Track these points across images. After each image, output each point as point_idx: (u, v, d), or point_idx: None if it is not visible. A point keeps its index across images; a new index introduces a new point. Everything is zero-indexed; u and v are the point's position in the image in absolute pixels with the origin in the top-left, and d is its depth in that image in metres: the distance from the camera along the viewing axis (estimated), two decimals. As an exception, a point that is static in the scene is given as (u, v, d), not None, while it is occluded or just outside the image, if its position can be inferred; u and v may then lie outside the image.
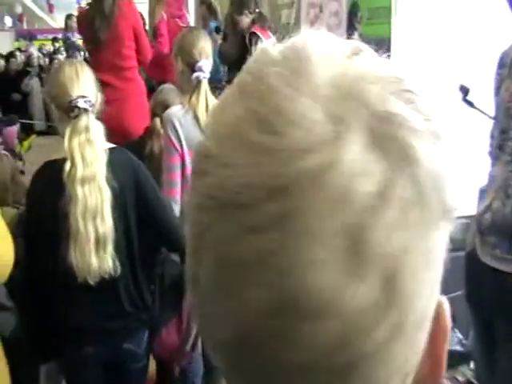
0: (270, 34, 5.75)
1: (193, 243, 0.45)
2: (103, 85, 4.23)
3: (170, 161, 2.81)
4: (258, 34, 5.67)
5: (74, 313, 2.24)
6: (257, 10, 6.02)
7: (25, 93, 11.65)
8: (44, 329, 2.32)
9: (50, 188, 2.19)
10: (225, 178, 0.41)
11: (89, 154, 2.16)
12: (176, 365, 2.79)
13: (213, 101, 2.87)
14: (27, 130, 9.59)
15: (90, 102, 2.22)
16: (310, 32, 0.48)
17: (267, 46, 0.47)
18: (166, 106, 3.25)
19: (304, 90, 0.41)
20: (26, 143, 9.96)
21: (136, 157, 2.43)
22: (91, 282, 2.16)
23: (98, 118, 2.31)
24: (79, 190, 2.12)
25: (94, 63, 4.29)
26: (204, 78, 2.86)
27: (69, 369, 2.44)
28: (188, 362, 2.83)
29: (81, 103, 2.18)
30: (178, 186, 2.78)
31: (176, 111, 2.84)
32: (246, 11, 6.13)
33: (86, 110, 2.19)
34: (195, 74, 2.85)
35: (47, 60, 15.36)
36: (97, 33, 4.39)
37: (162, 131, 3.24)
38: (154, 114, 3.38)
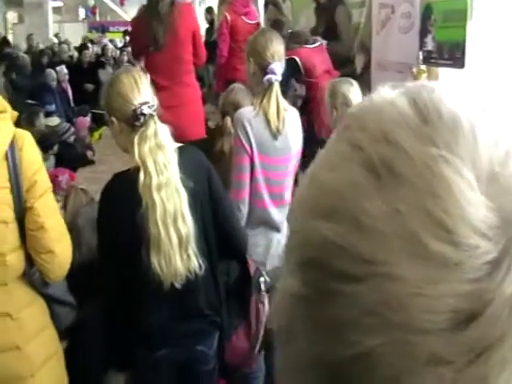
0: (307, 46, 5.81)
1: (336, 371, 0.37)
2: (160, 89, 4.33)
3: (239, 161, 2.82)
4: (295, 58, 5.75)
5: (153, 317, 2.25)
6: (288, 31, 6.09)
7: (98, 83, 11.94)
8: (125, 337, 2.31)
9: (125, 198, 2.17)
10: (393, 293, 0.34)
11: (161, 158, 2.14)
12: (245, 369, 2.78)
13: (284, 104, 2.88)
14: (98, 121, 9.82)
15: (153, 106, 2.20)
16: (438, 83, 0.42)
17: (387, 96, 0.41)
18: (237, 106, 3.29)
19: (474, 182, 0.35)
20: (96, 134, 10.23)
21: (206, 155, 2.43)
22: (177, 285, 2.17)
23: None
24: (156, 197, 2.11)
25: (150, 67, 4.37)
26: (276, 80, 2.84)
27: (142, 372, 2.40)
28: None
29: (146, 110, 2.16)
30: (246, 188, 2.80)
31: (247, 112, 2.84)
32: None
33: (151, 116, 2.18)
34: (267, 77, 2.83)
35: (118, 52, 15.68)
36: (155, 36, 4.37)
37: (232, 130, 3.27)
38: (223, 113, 3.41)
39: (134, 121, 2.16)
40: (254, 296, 2.59)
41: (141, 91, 2.22)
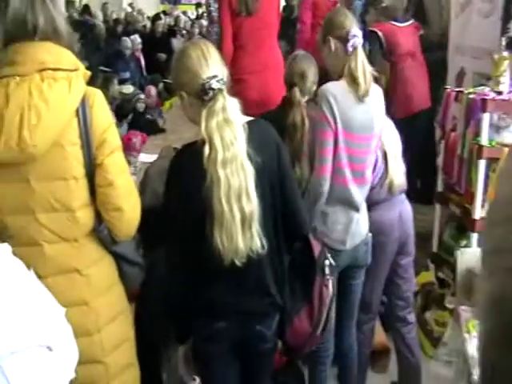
0: (395, 23, 5.75)
1: None
2: (247, 54, 4.35)
3: (322, 136, 2.78)
4: (377, 31, 5.70)
5: (215, 290, 2.25)
6: (383, 5, 6.04)
7: (170, 53, 12.08)
8: (185, 309, 2.33)
9: (191, 170, 2.17)
10: None
11: (228, 134, 2.12)
12: (307, 349, 2.76)
13: (369, 68, 2.85)
14: (170, 90, 9.93)
15: (222, 80, 2.16)
16: None
17: None
18: (303, 75, 3.31)
19: None
20: (167, 103, 10.39)
21: (276, 127, 2.39)
22: (238, 264, 2.15)
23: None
24: (221, 173, 2.09)
25: (238, 32, 4.36)
26: (359, 43, 2.83)
27: (200, 344, 2.41)
28: (320, 343, 2.84)
29: (214, 84, 2.13)
30: (328, 163, 2.77)
31: (332, 87, 2.81)
32: (371, 8, 6.20)
33: (220, 90, 2.15)
34: (351, 42, 2.81)
35: (190, 24, 15.79)
36: (247, 1, 4.38)
37: (302, 101, 3.30)
38: (291, 84, 3.36)
39: (203, 95, 2.15)
40: (317, 279, 2.56)
41: (209, 64, 2.19)
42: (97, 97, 2.14)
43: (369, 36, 5.79)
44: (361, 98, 2.80)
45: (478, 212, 3.77)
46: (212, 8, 11.36)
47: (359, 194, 2.88)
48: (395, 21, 5.78)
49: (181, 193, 2.21)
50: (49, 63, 2.01)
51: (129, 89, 8.46)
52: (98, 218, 2.17)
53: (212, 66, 2.18)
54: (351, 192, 2.85)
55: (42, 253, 2.06)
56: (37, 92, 1.97)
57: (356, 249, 2.94)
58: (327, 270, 2.57)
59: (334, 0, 6.54)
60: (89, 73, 2.13)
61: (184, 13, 18.64)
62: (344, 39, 2.84)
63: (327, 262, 2.58)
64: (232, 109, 2.16)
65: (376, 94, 2.92)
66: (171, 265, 2.38)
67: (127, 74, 9.62)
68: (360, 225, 2.95)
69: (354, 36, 2.83)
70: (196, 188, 2.11)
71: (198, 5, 14.06)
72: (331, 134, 2.76)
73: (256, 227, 2.16)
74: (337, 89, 2.81)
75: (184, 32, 14.23)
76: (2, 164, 1.99)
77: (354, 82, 2.79)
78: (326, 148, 2.77)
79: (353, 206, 2.88)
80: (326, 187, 2.77)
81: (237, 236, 2.13)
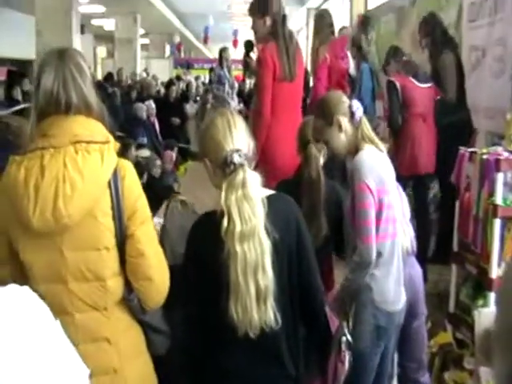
0: (414, 81, 5.85)
1: None
2: (282, 120, 4.40)
3: (364, 206, 2.80)
4: (395, 82, 5.81)
5: (229, 358, 2.25)
6: (404, 58, 6.16)
7: (183, 117, 12.28)
8: (199, 374, 2.34)
9: (210, 240, 2.18)
10: None
11: (246, 209, 2.14)
12: None
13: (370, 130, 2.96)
14: (184, 155, 10.06)
15: (245, 155, 2.20)
16: None
17: None
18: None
19: None
20: (182, 167, 10.49)
21: (295, 188, 2.45)
22: (252, 335, 2.16)
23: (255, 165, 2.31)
24: (238, 247, 2.12)
25: (277, 97, 4.40)
26: (361, 113, 2.94)
27: None
28: None
29: (236, 158, 2.17)
30: (372, 233, 2.78)
31: (365, 155, 2.87)
32: (392, 60, 6.34)
33: (241, 165, 2.18)
34: (357, 114, 2.90)
35: (202, 89, 16.07)
36: (290, 67, 4.44)
37: (318, 157, 3.38)
38: (305, 143, 3.43)
39: (225, 167, 2.19)
40: (333, 354, 2.57)
41: (233, 137, 2.23)
42: (128, 169, 2.20)
43: (387, 86, 5.89)
44: (385, 162, 2.90)
45: (495, 271, 3.78)
46: (221, 72, 11.63)
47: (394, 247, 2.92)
48: (415, 77, 5.85)
49: (199, 261, 2.25)
50: (82, 136, 2.08)
51: (145, 153, 8.56)
52: (128, 287, 2.21)
53: (236, 139, 2.23)
54: (393, 244, 2.89)
55: (72, 321, 2.08)
56: (71, 164, 2.03)
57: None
58: (343, 347, 2.57)
59: (348, 63, 6.76)
60: (118, 144, 2.19)
61: (197, 78, 19.06)
62: (350, 113, 2.91)
63: (344, 339, 2.59)
64: (252, 184, 2.18)
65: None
66: (189, 330, 2.39)
67: (145, 140, 9.74)
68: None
69: (357, 108, 2.92)
70: (213, 258, 2.14)
71: (212, 69, 14.27)
72: (371, 203, 2.79)
73: (271, 301, 2.16)
74: (369, 156, 2.86)
75: (197, 97, 14.46)
76: (37, 234, 2.04)
77: (372, 142, 2.88)
78: (368, 219, 2.78)
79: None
80: (374, 255, 2.77)
81: (251, 309, 2.13)
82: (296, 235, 2.28)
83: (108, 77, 15.98)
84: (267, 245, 2.14)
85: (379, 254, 2.79)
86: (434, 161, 5.85)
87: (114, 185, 2.13)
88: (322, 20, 6.83)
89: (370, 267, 2.79)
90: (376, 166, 2.84)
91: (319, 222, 3.27)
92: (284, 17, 4.54)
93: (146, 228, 2.21)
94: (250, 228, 2.13)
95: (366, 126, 2.91)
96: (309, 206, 3.22)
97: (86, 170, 2.04)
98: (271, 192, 2.30)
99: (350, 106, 2.91)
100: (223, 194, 2.16)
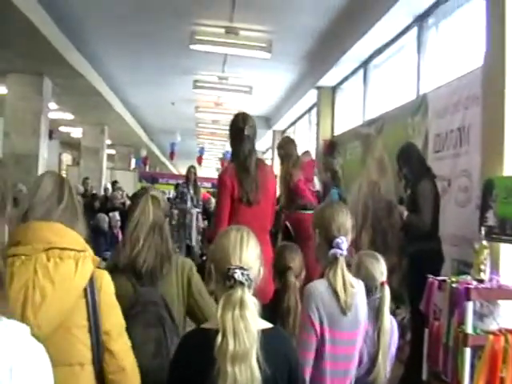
0: None
1: None
2: None
3: (305, 338, 2.75)
4: None
5: None
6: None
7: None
8: None
9: (199, 356, 2.11)
10: None
11: (242, 330, 2.05)
12: None
13: (349, 278, 2.84)
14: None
15: (248, 275, 2.14)
16: None
17: None
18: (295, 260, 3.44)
19: None
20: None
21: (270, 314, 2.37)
22: None
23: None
24: (229, 368, 2.02)
25: (238, 220, 4.37)
26: (341, 255, 2.82)
27: None
28: None
29: (238, 275, 2.11)
30: (309, 366, 2.70)
31: (319, 286, 2.82)
32: None
33: (241, 283, 2.11)
34: (332, 251, 2.82)
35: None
36: (248, 192, 4.51)
37: (296, 285, 3.37)
38: (283, 270, 3.42)
39: (225, 279, 2.13)
40: None
41: (243, 254, 2.18)
42: (105, 278, 2.16)
43: None
44: (342, 309, 2.78)
45: (466, 400, 3.72)
46: (184, 190, 11.76)
47: None
48: None
49: (187, 372, 2.14)
50: (56, 243, 2.03)
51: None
52: None
53: (244, 257, 2.19)
54: None
55: None
56: (42, 271, 1.96)
57: None
58: None
59: (315, 186, 6.98)
60: (98, 259, 2.15)
61: (163, 192, 19.06)
62: (329, 242, 2.87)
63: None
64: (250, 308, 2.11)
65: (360, 290, 2.91)
66: None
67: (108, 254, 9.63)
68: None
69: (338, 246, 2.84)
70: (201, 375, 2.05)
71: (177, 186, 14.41)
72: (313, 337, 2.73)
73: None
74: (323, 287, 2.81)
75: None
76: None
77: (334, 291, 2.79)
78: (308, 351, 2.73)
79: None
80: None
81: None
82: (288, 372, 2.21)
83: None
84: (257, 375, 2.05)
85: None
86: None
87: (91, 295, 2.07)
88: (292, 145, 7.12)
89: None
90: (323, 303, 2.78)
91: None
92: (252, 147, 4.69)
93: (123, 340, 2.15)
94: (243, 350, 2.04)
95: (336, 269, 2.83)
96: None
97: (57, 277, 1.97)
98: (268, 325, 2.24)
99: (332, 239, 2.86)
100: (220, 308, 2.11)
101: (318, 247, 2.96)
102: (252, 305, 2.12)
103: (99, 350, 2.06)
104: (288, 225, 6.41)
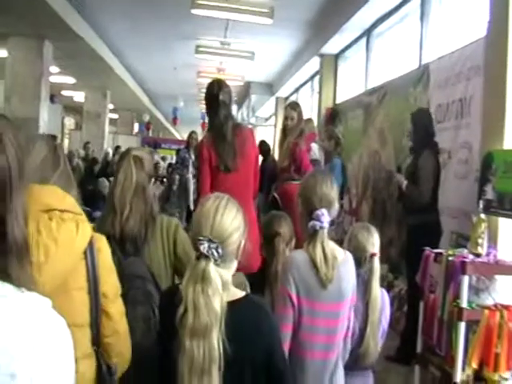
0: None
1: None
2: None
3: (282, 311, 2.67)
4: None
5: None
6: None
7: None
8: None
9: (171, 317, 2.02)
10: None
11: (202, 306, 1.98)
12: None
13: (331, 249, 2.74)
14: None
15: (215, 248, 2.03)
16: None
17: None
18: (275, 235, 3.31)
19: None
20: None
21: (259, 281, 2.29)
22: None
23: None
24: (187, 342, 1.97)
25: (219, 188, 4.26)
26: (320, 227, 2.71)
27: None
28: None
29: (204, 247, 2.02)
30: (287, 340, 2.63)
31: (297, 257, 2.76)
32: None
33: (206, 257, 2.01)
34: (311, 223, 2.72)
35: (169, 170, 16.05)
36: (226, 159, 4.50)
37: (285, 251, 3.26)
38: (271, 236, 3.33)
39: (195, 250, 2.07)
40: None
41: (214, 225, 2.07)
42: (103, 241, 2.16)
43: None
44: (322, 282, 2.69)
45: (459, 375, 3.71)
46: (185, 155, 11.68)
47: (318, 369, 2.74)
48: None
49: (164, 323, 2.20)
50: (55, 206, 2.01)
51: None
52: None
53: (217, 228, 2.07)
54: (306, 366, 2.72)
55: None
56: (46, 231, 1.94)
57: None
58: None
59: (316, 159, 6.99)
60: (92, 224, 2.14)
61: (163, 158, 19.09)
62: (309, 213, 2.77)
63: None
64: (213, 283, 2.00)
65: (347, 262, 2.82)
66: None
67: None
68: None
69: (318, 218, 2.73)
70: (173, 331, 2.02)
71: (178, 151, 14.34)
72: (290, 309, 2.66)
73: None
74: (302, 258, 2.73)
75: (163, 179, 14.46)
76: None
77: (313, 263, 2.70)
78: (286, 323, 2.65)
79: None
80: None
81: None
82: (264, 356, 2.10)
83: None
84: (216, 354, 1.95)
85: None
86: None
87: (91, 256, 2.07)
88: (301, 113, 6.89)
89: None
90: (299, 274, 2.70)
91: None
92: (228, 112, 4.65)
93: (119, 303, 2.18)
94: (203, 326, 1.96)
95: (315, 241, 2.74)
96: (271, 299, 3.11)
97: (60, 237, 1.95)
98: (240, 294, 2.12)
99: (312, 210, 2.75)
100: (184, 281, 2.04)
101: (300, 218, 2.87)
102: (217, 279, 2.00)
103: (98, 311, 2.07)
104: (276, 196, 6.36)
